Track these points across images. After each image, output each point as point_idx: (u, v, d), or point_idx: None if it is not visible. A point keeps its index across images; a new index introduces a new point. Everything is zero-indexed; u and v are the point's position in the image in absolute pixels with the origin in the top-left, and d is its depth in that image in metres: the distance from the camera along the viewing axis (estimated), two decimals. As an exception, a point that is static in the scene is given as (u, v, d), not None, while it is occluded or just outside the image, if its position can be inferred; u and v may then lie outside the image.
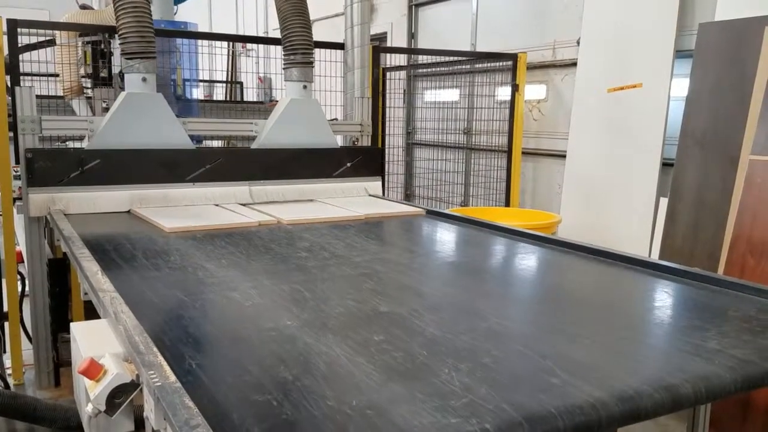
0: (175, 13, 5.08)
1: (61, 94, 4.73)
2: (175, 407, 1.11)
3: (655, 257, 4.05)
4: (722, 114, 3.64)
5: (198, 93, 5.53)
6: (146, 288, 1.97)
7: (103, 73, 4.50)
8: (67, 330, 3.46)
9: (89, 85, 4.63)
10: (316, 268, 2.25)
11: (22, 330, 3.62)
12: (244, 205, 3.42)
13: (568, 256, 2.56)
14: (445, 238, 3.04)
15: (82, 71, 4.61)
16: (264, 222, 2.99)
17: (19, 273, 3.59)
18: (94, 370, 1.37)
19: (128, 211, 3.26)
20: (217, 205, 3.40)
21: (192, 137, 3.79)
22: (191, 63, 4.84)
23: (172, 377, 1.22)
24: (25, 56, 4.08)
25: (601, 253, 2.49)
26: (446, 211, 3.44)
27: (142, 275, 2.11)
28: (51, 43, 4.37)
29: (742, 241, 3.29)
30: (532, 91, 5.68)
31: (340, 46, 4.40)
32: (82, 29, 4.21)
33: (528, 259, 2.56)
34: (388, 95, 5.66)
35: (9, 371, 3.55)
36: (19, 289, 3.60)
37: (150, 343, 1.39)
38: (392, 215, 3.35)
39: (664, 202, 4.12)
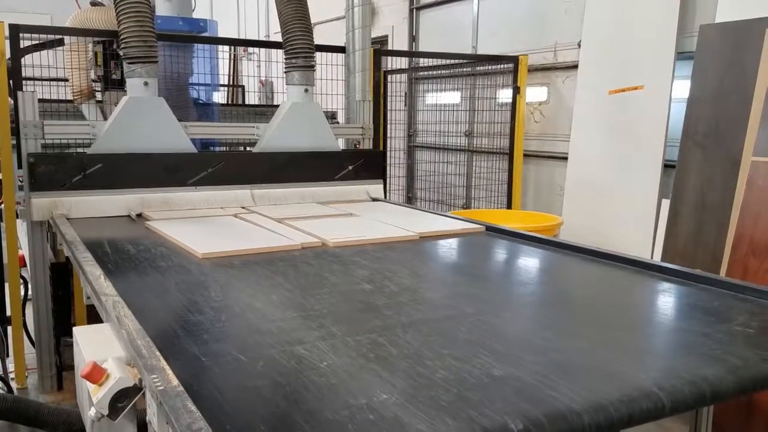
0: (193, 9, 4.95)
1: (71, 98, 4.68)
2: (177, 411, 1.11)
3: (657, 259, 4.05)
4: (724, 116, 3.64)
5: (219, 97, 5.44)
6: (193, 342, 1.56)
7: (115, 75, 4.27)
8: (70, 334, 3.46)
9: (100, 89, 4.55)
10: (389, 307, 1.88)
11: (24, 334, 3.62)
12: (280, 222, 3.06)
13: (675, 285, 2.18)
14: (526, 264, 2.62)
15: (92, 74, 4.48)
16: (307, 244, 2.62)
17: (22, 277, 3.60)
18: (96, 374, 1.37)
19: (133, 215, 3.20)
20: (237, 216, 3.18)
21: (206, 142, 3.80)
22: (209, 66, 4.79)
23: (175, 381, 1.22)
24: (34, 59, 4.06)
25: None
26: (507, 228, 3.05)
27: (185, 320, 1.73)
28: (59, 42, 4.30)
29: (744, 243, 3.29)
30: (534, 94, 5.68)
31: (341, 49, 4.41)
32: (86, 34, 4.18)
33: (633, 291, 2.19)
34: (389, 98, 5.67)
35: (12, 375, 3.56)
36: (22, 293, 3.61)
37: (152, 347, 1.39)
38: (449, 233, 2.99)
39: (666, 203, 4.12)
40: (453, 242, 2.91)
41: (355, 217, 3.26)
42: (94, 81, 4.49)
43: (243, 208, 3.43)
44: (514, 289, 2.26)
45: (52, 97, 4.52)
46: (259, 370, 1.42)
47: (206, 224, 2.99)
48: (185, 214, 3.24)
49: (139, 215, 3.20)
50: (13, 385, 3.51)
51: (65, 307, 3.43)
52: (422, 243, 2.82)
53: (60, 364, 3.50)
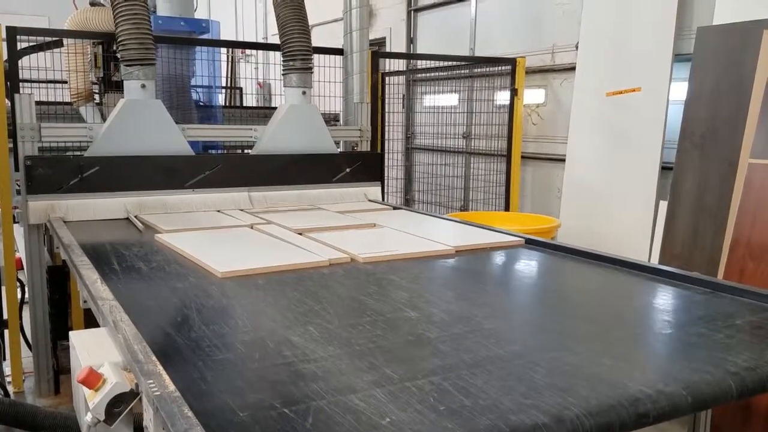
0: (195, 9, 4.91)
1: (69, 100, 4.65)
2: (173, 417, 1.11)
3: (654, 261, 4.05)
4: (721, 117, 3.64)
5: (221, 99, 5.41)
6: (225, 390, 1.32)
7: (115, 77, 4.13)
8: (67, 337, 3.46)
9: (99, 91, 4.53)
10: (444, 341, 1.61)
11: (21, 337, 3.61)
12: (300, 233, 2.83)
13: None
14: (583, 284, 2.34)
15: (92, 76, 4.43)
16: (335, 260, 2.40)
17: (19, 280, 3.59)
18: (93, 380, 1.36)
19: (140, 227, 2.98)
20: (253, 228, 2.97)
21: (208, 145, 3.76)
22: (211, 68, 4.77)
23: (171, 386, 1.22)
24: (32, 61, 4.04)
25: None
26: (547, 241, 2.84)
27: (212, 359, 1.47)
28: (57, 44, 4.28)
29: (741, 245, 3.29)
30: (531, 96, 5.69)
31: (339, 51, 4.41)
32: (83, 36, 4.17)
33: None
34: (387, 100, 5.67)
35: (9, 379, 3.55)
36: (19, 296, 3.60)
37: (149, 352, 1.39)
38: (487, 246, 2.75)
39: (663, 205, 4.12)
40: (494, 257, 2.66)
41: (379, 228, 3.04)
42: (93, 83, 4.47)
43: (259, 217, 3.21)
44: (581, 316, 1.94)
45: (51, 100, 4.51)
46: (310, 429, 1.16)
47: (221, 237, 2.78)
48: (197, 224, 3.03)
49: (142, 231, 2.95)
50: (10, 388, 3.50)
51: (62, 311, 3.42)
52: (459, 258, 2.57)
53: (57, 368, 3.49)
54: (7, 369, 3.59)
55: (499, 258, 2.66)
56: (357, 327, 1.71)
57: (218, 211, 3.41)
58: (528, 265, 2.60)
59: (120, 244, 2.65)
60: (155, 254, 2.50)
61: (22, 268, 3.49)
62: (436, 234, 2.90)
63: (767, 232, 3.19)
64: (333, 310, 1.85)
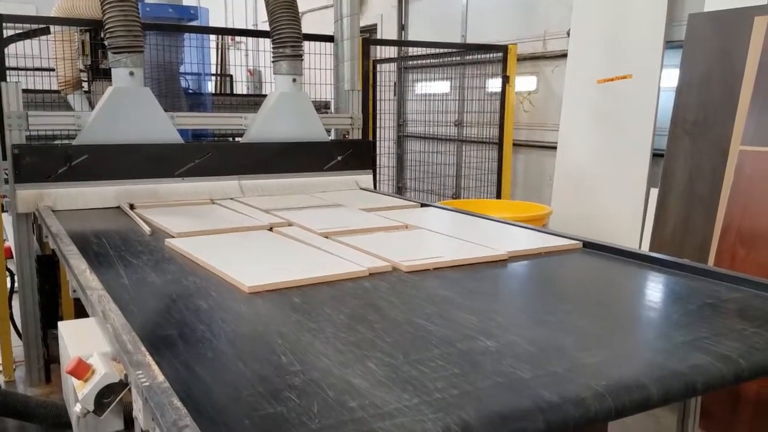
0: None
1: (57, 89, 4.62)
2: (163, 408, 1.10)
3: (645, 248, 4.07)
4: (712, 104, 3.64)
5: (211, 87, 5.37)
6: None
7: (103, 65, 4.04)
8: (57, 326, 3.45)
9: (87, 79, 4.48)
10: (547, 384, 1.28)
11: (11, 327, 3.60)
12: (327, 237, 2.54)
13: None
14: (683, 303, 1.92)
15: (79, 63, 4.37)
16: (375, 269, 2.10)
17: (8, 269, 3.57)
18: (81, 370, 1.36)
19: (147, 230, 2.65)
20: (273, 230, 2.68)
21: (198, 133, 3.71)
22: (200, 56, 4.73)
23: (161, 377, 1.21)
24: (18, 49, 3.99)
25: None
26: (607, 244, 2.52)
27: (260, 414, 1.16)
28: (45, 31, 4.23)
29: (732, 232, 3.30)
30: (523, 83, 5.68)
31: (329, 38, 4.37)
32: (71, 23, 4.12)
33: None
34: (378, 88, 5.64)
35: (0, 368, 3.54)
36: (9, 285, 3.58)
37: (138, 342, 1.38)
38: (542, 251, 2.45)
39: (654, 192, 4.13)
40: (554, 266, 2.36)
41: (414, 231, 2.72)
42: (82, 71, 4.44)
43: (277, 216, 2.91)
44: (699, 344, 1.53)
45: (39, 88, 4.47)
46: None
47: (240, 242, 2.47)
48: (210, 225, 2.75)
49: (151, 234, 2.62)
50: (1, 378, 3.49)
51: (52, 300, 3.41)
52: (515, 266, 2.27)
53: (47, 357, 3.48)
54: (-2, 359, 3.57)
55: (560, 266, 2.35)
56: (428, 363, 1.39)
57: (232, 209, 3.14)
58: (598, 275, 2.29)
59: (127, 251, 2.35)
60: (168, 263, 2.21)
61: (12, 257, 3.47)
62: (479, 236, 2.61)
63: (758, 219, 3.21)
64: (391, 339, 1.53)
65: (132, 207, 3.16)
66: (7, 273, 3.57)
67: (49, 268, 3.34)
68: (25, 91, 3.27)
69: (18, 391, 3.43)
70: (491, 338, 1.54)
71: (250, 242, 2.47)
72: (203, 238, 2.50)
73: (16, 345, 3.56)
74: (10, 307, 3.57)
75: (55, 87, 4.51)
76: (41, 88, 4.47)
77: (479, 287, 2.05)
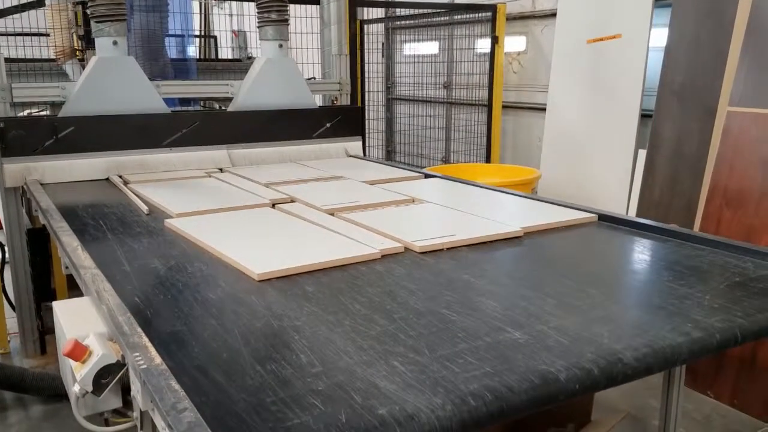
0: None
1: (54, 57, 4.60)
2: (161, 390, 1.11)
3: (633, 210, 4.10)
4: (700, 65, 3.64)
5: (193, 51, 5.32)
6: None
7: None
8: (50, 298, 3.45)
9: (81, 48, 4.45)
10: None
11: (4, 299, 3.60)
12: (332, 214, 2.45)
13: None
14: (715, 280, 1.82)
15: (74, 33, 4.37)
16: (387, 251, 2.01)
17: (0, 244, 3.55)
18: (79, 352, 1.37)
19: (145, 210, 2.54)
20: (276, 207, 2.58)
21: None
22: (185, 21, 4.66)
23: (158, 359, 1.22)
24: (15, 17, 3.95)
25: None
26: (623, 217, 2.44)
27: (281, 424, 1.08)
28: (40, 4, 4.18)
29: (718, 193, 3.34)
30: (512, 44, 5.64)
31: (315, 1, 4.30)
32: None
33: None
34: (366, 51, 5.58)
35: (-6, 340, 3.56)
36: (0, 257, 3.57)
37: (133, 323, 1.39)
38: (557, 226, 2.34)
39: (642, 154, 4.15)
40: (571, 241, 2.25)
41: (421, 205, 2.63)
42: (80, 38, 4.41)
43: (277, 190, 2.83)
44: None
45: (35, 56, 4.44)
46: None
47: (242, 222, 2.36)
48: (209, 202, 2.62)
49: (149, 214, 2.51)
50: (-4, 350, 3.51)
51: (44, 272, 3.41)
52: (531, 243, 2.17)
53: (42, 329, 3.49)
54: (-8, 330, 3.59)
55: (579, 242, 2.25)
56: (456, 360, 1.30)
57: (229, 183, 3.04)
58: (620, 252, 2.20)
59: (126, 233, 2.24)
60: (170, 246, 2.10)
61: (1, 228, 3.46)
62: (490, 210, 2.52)
63: (744, 181, 3.23)
64: (414, 332, 1.44)
65: (126, 183, 3.07)
66: (-2, 246, 3.56)
67: (40, 241, 3.33)
68: (21, 60, 3.22)
69: (13, 362, 3.46)
70: (518, 329, 1.46)
71: (254, 222, 2.37)
72: (204, 218, 2.40)
73: (10, 317, 3.58)
74: (2, 279, 3.57)
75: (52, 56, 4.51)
76: (39, 57, 4.44)
77: (497, 269, 1.96)
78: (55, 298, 3.43)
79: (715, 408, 3.04)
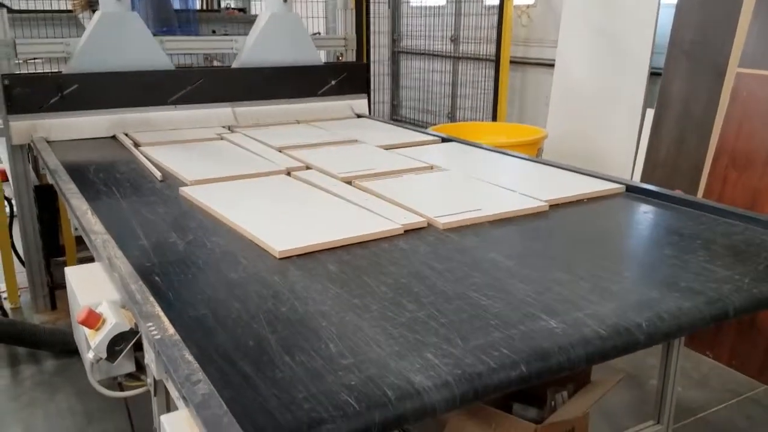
0: None
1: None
2: (175, 362, 1.13)
3: (638, 170, 4.09)
4: (711, 25, 3.57)
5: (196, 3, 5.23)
6: None
7: None
8: (59, 254, 3.50)
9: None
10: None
11: (14, 254, 3.64)
12: (349, 183, 2.39)
13: None
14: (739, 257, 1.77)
15: None
16: (410, 226, 1.95)
17: (6, 198, 3.57)
18: (92, 320, 1.41)
19: (158, 176, 2.47)
20: (291, 175, 2.52)
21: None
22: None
23: (171, 329, 1.25)
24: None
25: None
26: (652, 188, 2.33)
27: (316, 428, 1.03)
28: None
29: (725, 154, 3.33)
30: (521, -4, 5.53)
31: (320, -47, 4.22)
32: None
33: None
34: (372, 3, 5.48)
35: (5, 295, 3.61)
36: (8, 211, 3.58)
37: (146, 292, 1.41)
38: (584, 198, 2.26)
39: (650, 113, 4.12)
40: (599, 215, 2.16)
41: (442, 173, 2.56)
42: None
43: (291, 156, 2.77)
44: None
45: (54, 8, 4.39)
46: None
47: (259, 191, 2.31)
48: (224, 168, 2.57)
49: (162, 180, 2.45)
50: (7, 305, 3.57)
51: (52, 228, 3.44)
52: (557, 217, 2.10)
53: (52, 284, 3.55)
54: (2, 285, 3.64)
55: (608, 216, 2.16)
56: (489, 351, 1.25)
57: (242, 146, 2.95)
58: (653, 227, 2.11)
59: (142, 203, 2.19)
60: (187, 218, 2.04)
61: (7, 180, 3.47)
62: (512, 180, 2.45)
63: (751, 142, 3.22)
64: (444, 319, 1.38)
65: (137, 145, 2.99)
66: (6, 202, 3.58)
67: (47, 197, 3.35)
68: (37, 11, 3.17)
69: (24, 317, 3.52)
70: (552, 316, 1.39)
71: (270, 192, 2.31)
72: (219, 186, 2.35)
73: (20, 271, 3.62)
74: (11, 235, 3.60)
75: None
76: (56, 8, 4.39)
77: (526, 248, 1.90)
78: (63, 255, 3.48)
79: (713, 368, 3.10)
